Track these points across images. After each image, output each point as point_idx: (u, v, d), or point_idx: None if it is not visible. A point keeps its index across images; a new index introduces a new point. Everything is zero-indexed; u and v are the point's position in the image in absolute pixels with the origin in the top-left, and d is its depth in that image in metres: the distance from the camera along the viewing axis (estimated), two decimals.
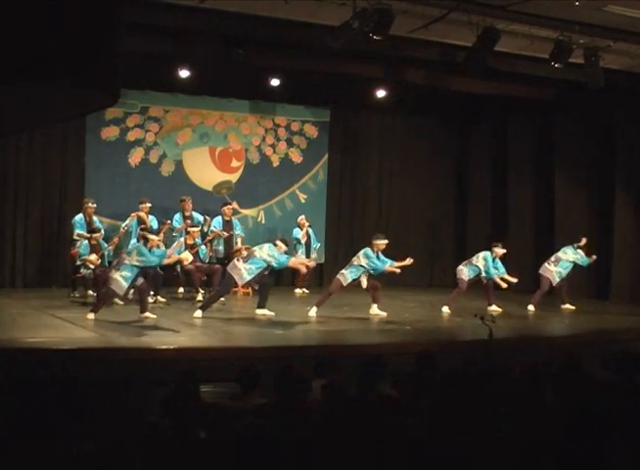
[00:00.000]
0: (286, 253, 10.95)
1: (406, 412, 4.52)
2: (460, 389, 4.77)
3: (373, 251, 11.09)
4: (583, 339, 10.33)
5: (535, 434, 4.24)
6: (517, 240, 15.49)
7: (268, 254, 10.50)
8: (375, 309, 11.32)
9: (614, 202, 14.32)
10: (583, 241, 12.62)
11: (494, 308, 11.86)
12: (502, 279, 11.98)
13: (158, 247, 10.47)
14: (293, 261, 10.99)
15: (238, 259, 10.66)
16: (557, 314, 12.36)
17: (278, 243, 10.79)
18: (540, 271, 12.67)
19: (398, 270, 11.24)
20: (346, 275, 11.05)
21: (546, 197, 15.28)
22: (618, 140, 14.32)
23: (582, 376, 5.34)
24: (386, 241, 11.23)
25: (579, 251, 12.60)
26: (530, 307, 12.43)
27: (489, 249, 12.16)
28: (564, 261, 12.51)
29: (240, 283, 10.84)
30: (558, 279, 12.47)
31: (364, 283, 11.09)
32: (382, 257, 11.18)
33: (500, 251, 12.08)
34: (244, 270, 10.49)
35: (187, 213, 12.99)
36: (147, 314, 10.14)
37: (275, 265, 10.59)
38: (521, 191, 15.72)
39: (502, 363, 6.31)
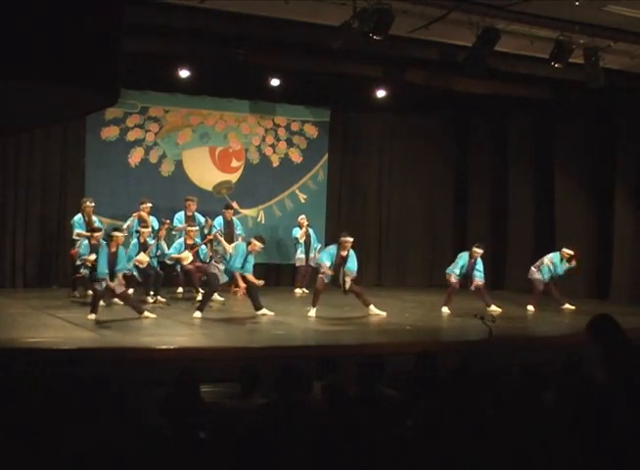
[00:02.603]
0: (258, 250, 10.92)
1: (406, 412, 4.52)
2: (460, 389, 4.77)
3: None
4: (583, 339, 10.30)
5: (535, 434, 4.24)
6: (517, 240, 15.51)
7: (231, 252, 10.80)
8: (375, 309, 11.32)
9: (614, 202, 14.30)
10: (567, 252, 12.59)
11: (494, 309, 11.86)
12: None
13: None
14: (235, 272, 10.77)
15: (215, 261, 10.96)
16: (557, 314, 12.36)
17: (252, 241, 10.86)
18: (529, 276, 12.73)
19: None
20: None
21: (546, 197, 15.27)
22: (618, 140, 14.30)
23: (582, 376, 5.34)
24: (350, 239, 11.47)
25: (563, 259, 12.59)
26: (530, 308, 12.47)
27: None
28: (544, 266, 12.57)
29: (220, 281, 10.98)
30: (547, 278, 12.52)
31: (347, 284, 11.12)
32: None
33: (479, 251, 12.01)
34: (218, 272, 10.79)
35: (189, 214, 13.00)
36: (146, 314, 10.15)
37: (226, 263, 10.74)
38: (521, 191, 15.70)
39: (502, 363, 6.31)
